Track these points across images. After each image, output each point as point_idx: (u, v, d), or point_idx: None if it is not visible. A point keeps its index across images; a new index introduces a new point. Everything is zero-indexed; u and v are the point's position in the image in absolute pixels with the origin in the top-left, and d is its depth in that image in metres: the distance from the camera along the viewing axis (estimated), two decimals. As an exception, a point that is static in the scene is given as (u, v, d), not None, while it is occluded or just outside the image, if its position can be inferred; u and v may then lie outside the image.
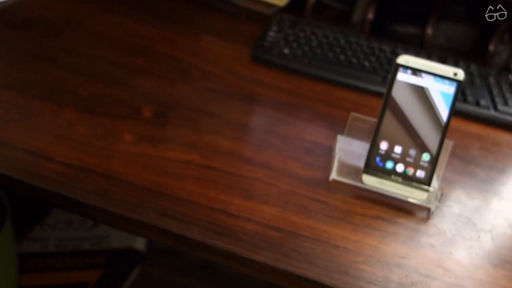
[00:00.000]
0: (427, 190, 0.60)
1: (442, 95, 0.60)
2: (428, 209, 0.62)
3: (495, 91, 0.85)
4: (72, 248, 1.19)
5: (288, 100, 0.77)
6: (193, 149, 0.63)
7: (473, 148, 0.75)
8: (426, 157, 0.61)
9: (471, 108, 0.81)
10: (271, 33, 0.89)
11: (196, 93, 0.74)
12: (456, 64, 0.90)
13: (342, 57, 0.86)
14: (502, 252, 0.58)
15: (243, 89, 0.77)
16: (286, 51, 0.86)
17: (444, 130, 0.60)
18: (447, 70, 0.61)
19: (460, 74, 0.60)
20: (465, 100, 0.82)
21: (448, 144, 0.62)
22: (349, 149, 0.65)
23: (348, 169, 0.63)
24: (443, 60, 0.90)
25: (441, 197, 0.60)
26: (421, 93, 0.61)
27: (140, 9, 0.93)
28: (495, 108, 0.81)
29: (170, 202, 0.55)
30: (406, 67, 0.61)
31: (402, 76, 0.61)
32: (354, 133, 0.65)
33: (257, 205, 0.57)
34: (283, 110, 0.75)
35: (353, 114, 0.64)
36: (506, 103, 0.82)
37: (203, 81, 0.77)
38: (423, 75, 0.61)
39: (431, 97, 0.61)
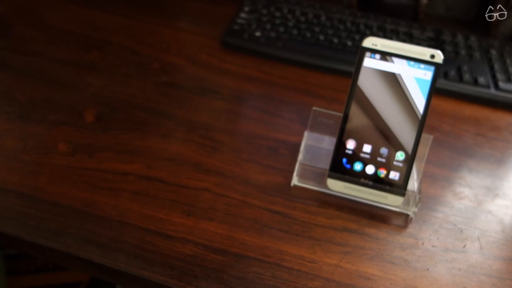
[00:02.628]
0: (403, 194, 0.52)
1: (417, 82, 0.51)
2: (406, 216, 0.53)
3: (497, 66, 0.74)
4: (64, 248, 1.15)
5: (256, 91, 0.69)
6: (136, 157, 0.56)
7: (467, 135, 0.65)
8: (400, 155, 0.52)
9: (467, 88, 0.71)
10: (243, 15, 0.81)
11: (150, 90, 0.66)
12: (453, 37, 0.79)
13: (321, 37, 0.77)
14: (492, 266, 0.49)
15: (205, 82, 0.69)
16: (258, 34, 0.77)
17: (421, 123, 0.51)
18: (423, 52, 0.51)
19: (439, 56, 0.51)
20: (460, 79, 0.72)
21: (427, 139, 0.53)
22: (316, 148, 0.57)
23: (312, 173, 0.54)
24: (438, 33, 0.80)
25: (419, 200, 0.52)
26: (393, 81, 0.52)
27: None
28: (496, 86, 0.71)
29: (97, 225, 0.48)
30: (373, 51, 0.52)
31: (370, 62, 0.52)
32: (321, 130, 0.57)
33: (200, 223, 0.49)
34: (249, 103, 0.66)
35: (315, 108, 0.55)
36: (509, 79, 0.72)
37: (161, 75, 0.69)
38: (394, 59, 0.52)
39: (405, 84, 0.51)
